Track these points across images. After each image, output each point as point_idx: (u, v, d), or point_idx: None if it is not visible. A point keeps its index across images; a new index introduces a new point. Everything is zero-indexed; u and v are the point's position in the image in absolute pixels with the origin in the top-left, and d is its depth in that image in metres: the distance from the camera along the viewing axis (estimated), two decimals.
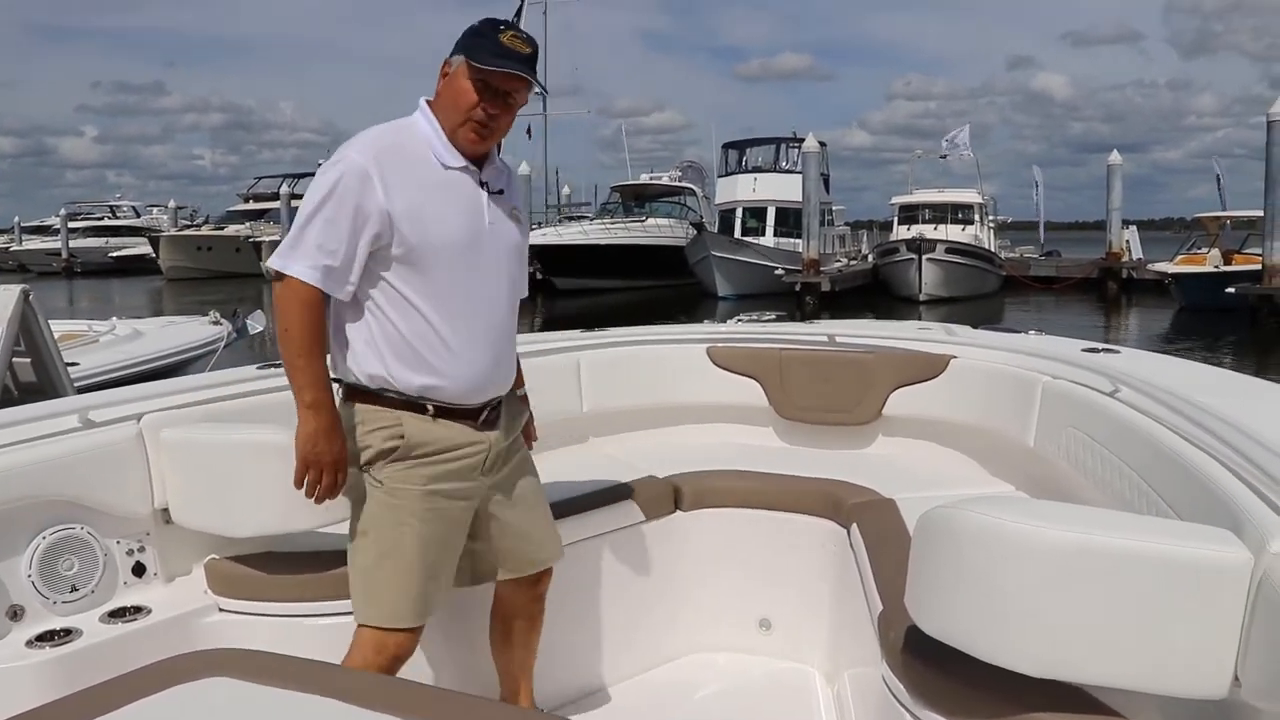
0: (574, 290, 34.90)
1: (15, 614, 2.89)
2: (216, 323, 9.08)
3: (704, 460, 4.15)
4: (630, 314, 28.93)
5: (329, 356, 2.68)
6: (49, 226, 69.68)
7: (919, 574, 2.15)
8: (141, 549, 3.21)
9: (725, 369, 4.61)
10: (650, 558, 3.83)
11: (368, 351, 2.63)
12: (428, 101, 2.70)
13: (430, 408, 2.65)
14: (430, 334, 2.61)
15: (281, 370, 3.77)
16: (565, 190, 62.34)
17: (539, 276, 36.73)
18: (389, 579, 2.63)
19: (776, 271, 31.70)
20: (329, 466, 2.60)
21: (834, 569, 3.64)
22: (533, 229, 40.22)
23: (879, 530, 3.28)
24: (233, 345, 9.17)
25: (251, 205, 59.81)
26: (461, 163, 2.66)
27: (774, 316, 5.43)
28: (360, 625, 2.64)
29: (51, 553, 2.98)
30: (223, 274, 50.70)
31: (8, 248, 70.37)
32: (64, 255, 62.09)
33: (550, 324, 30.25)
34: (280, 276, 2.54)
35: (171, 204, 65.40)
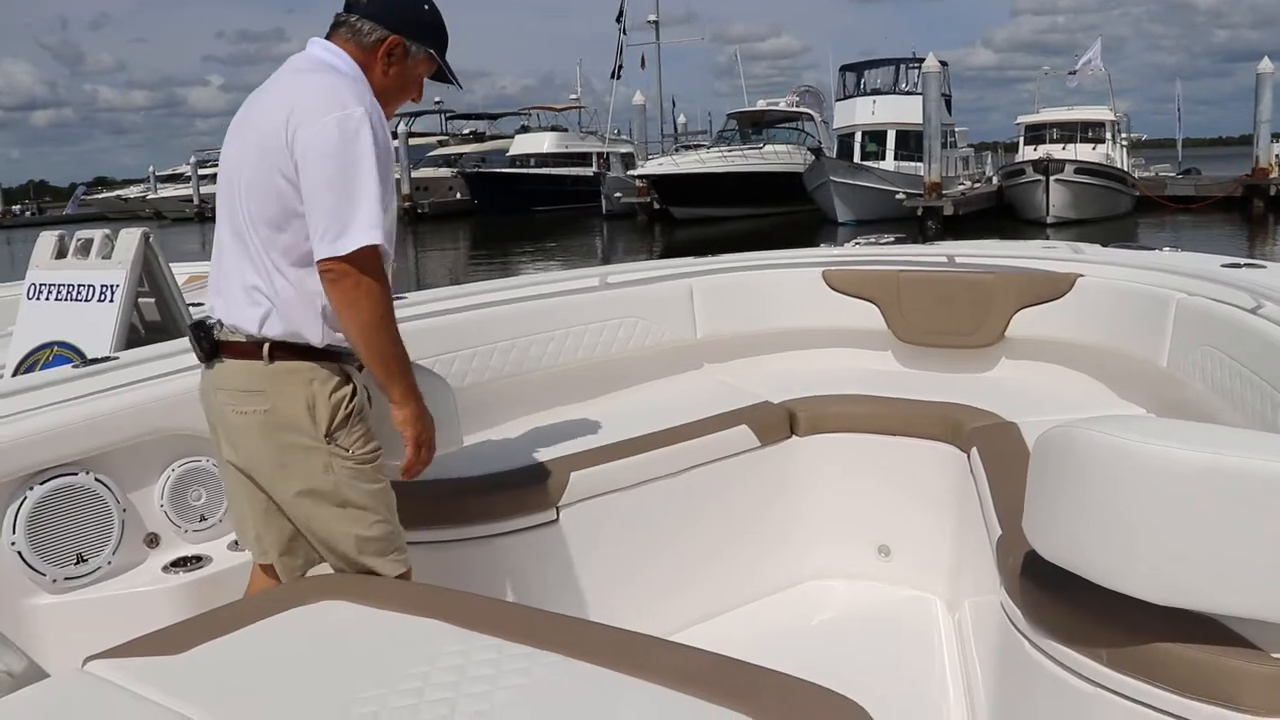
0: (691, 219, 34.79)
1: (152, 541, 3.02)
2: None
3: (820, 385, 4.08)
4: (748, 242, 28.54)
5: (260, 312, 2.39)
6: (181, 174, 72.10)
7: (1037, 496, 2.04)
8: None
9: (841, 292, 4.48)
10: (766, 483, 3.78)
11: (310, 304, 2.38)
12: (368, 75, 2.47)
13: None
14: None
15: (399, 300, 3.76)
16: (681, 119, 62.27)
17: (656, 206, 36.74)
18: (396, 527, 2.54)
19: (897, 196, 31.04)
20: (431, 442, 2.55)
21: (954, 494, 3.55)
22: (649, 159, 40.24)
23: (1000, 454, 3.17)
24: None
25: None
26: None
27: (892, 239, 5.29)
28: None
29: (181, 484, 3.06)
30: None
31: (144, 196, 73.06)
32: (195, 201, 64.13)
33: (668, 253, 30.04)
34: (352, 257, 2.27)
35: None
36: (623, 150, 47.52)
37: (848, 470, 3.84)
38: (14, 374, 5.16)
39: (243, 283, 2.39)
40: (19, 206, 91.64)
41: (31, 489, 2.75)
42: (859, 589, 3.86)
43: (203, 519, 3.10)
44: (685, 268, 4.68)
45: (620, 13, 50.71)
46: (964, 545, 3.45)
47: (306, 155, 2.27)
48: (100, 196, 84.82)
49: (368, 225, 2.26)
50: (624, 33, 50.52)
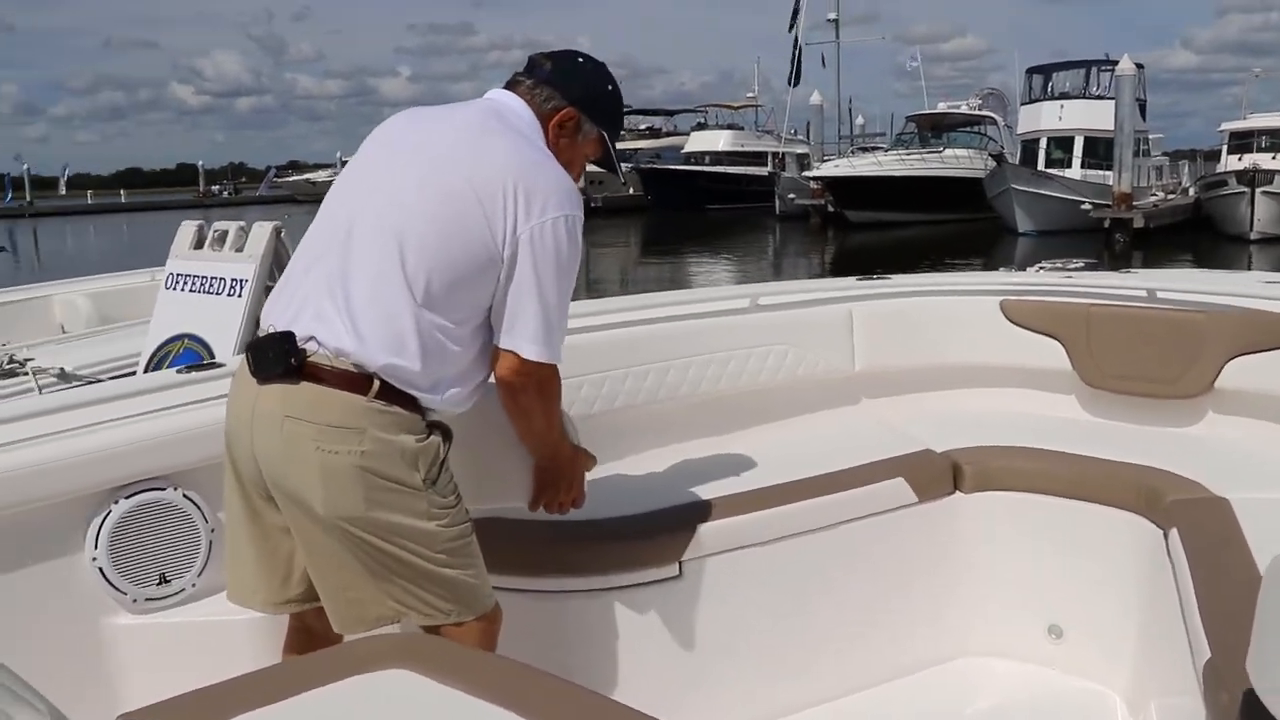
0: (866, 223, 34.20)
1: None
2: None
3: (992, 433, 3.65)
4: (923, 249, 28.18)
5: (398, 363, 2.24)
6: None
7: (1271, 635, 1.71)
8: None
9: (1021, 326, 3.98)
10: (921, 544, 3.39)
11: (445, 373, 2.29)
12: (547, 140, 2.39)
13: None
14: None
15: None
16: (859, 120, 61.35)
17: (830, 209, 36.26)
18: (480, 567, 2.40)
19: (1083, 206, 29.82)
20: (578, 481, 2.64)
21: (1145, 577, 3.10)
22: (824, 160, 39.75)
23: (1207, 539, 2.76)
24: None
25: None
26: None
27: (1081, 264, 4.74)
28: (464, 623, 2.35)
29: None
30: None
31: (330, 180, 75.35)
32: None
33: (840, 258, 29.79)
34: (541, 368, 2.31)
35: None
36: (798, 150, 47.03)
37: (1018, 535, 3.42)
38: (146, 365, 5.10)
39: (385, 313, 2.19)
40: (218, 186, 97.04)
41: (116, 503, 2.60)
42: (1024, 673, 3.43)
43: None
44: (845, 290, 4.26)
45: (794, 21, 50.27)
46: (1153, 638, 3.04)
47: (531, 247, 2.23)
48: (290, 179, 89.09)
49: (559, 342, 2.32)
50: (798, 43, 50.04)
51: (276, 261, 5.45)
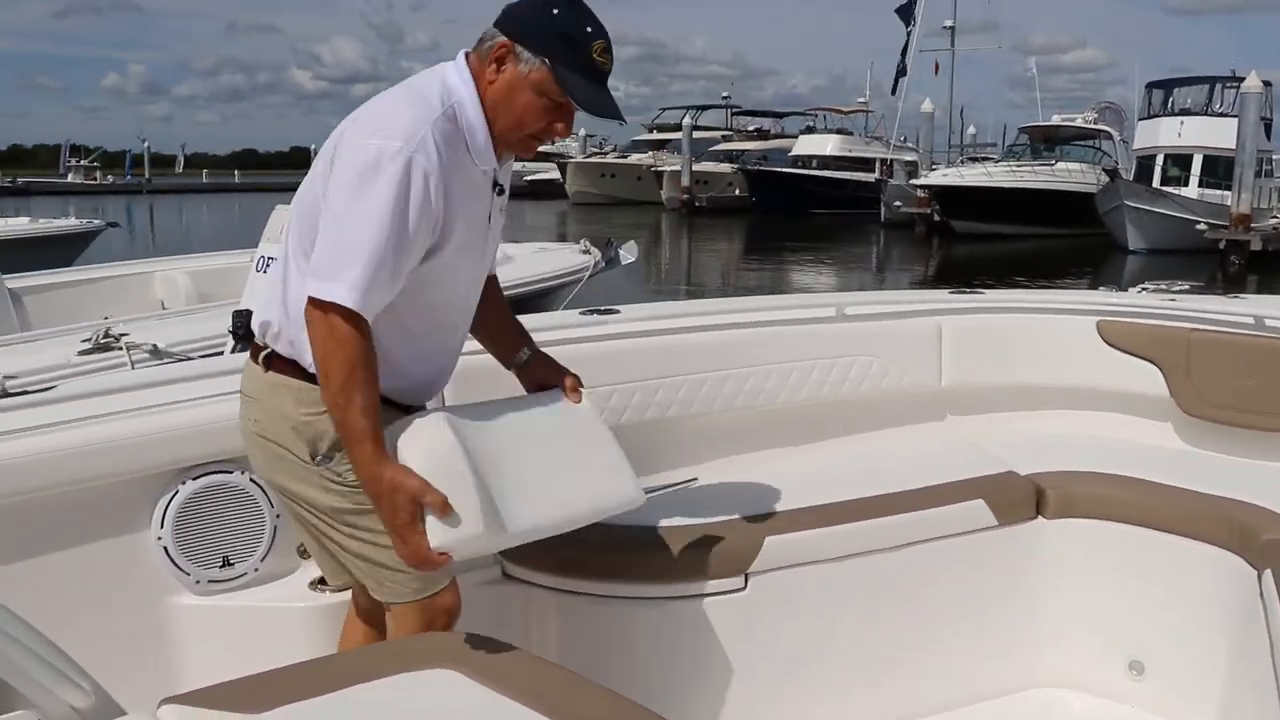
0: (972, 234, 33.72)
1: (305, 552, 2.75)
2: (586, 251, 9.01)
3: (1080, 457, 3.52)
4: (1029, 263, 27.67)
5: (271, 321, 2.26)
6: None
7: None
8: None
9: (1117, 348, 3.83)
10: (999, 569, 3.28)
11: None
12: (477, 84, 2.20)
13: None
14: (403, 336, 2.24)
15: (602, 319, 3.65)
16: (970, 130, 60.60)
17: (936, 218, 35.82)
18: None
19: (1198, 226, 29.01)
20: (408, 527, 2.09)
21: (1235, 618, 2.99)
22: (933, 168, 39.29)
23: None
24: (599, 275, 9.24)
25: (655, 135, 61.69)
26: (494, 165, 2.28)
27: (1186, 287, 4.57)
28: (405, 604, 2.29)
29: None
30: (624, 200, 52.63)
31: None
32: None
33: (944, 268, 29.39)
34: (327, 306, 2.07)
35: (582, 132, 68.71)
36: (907, 158, 46.43)
37: (1102, 565, 3.29)
38: (233, 349, 5.25)
39: (272, 275, 2.32)
40: None
41: (184, 483, 2.63)
42: (1101, 709, 3.29)
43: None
44: (935, 303, 4.13)
45: (906, 20, 49.70)
46: (1240, 681, 2.95)
47: (333, 175, 2.11)
48: None
49: (348, 285, 2.03)
50: (906, 52, 49.47)
51: None
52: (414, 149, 2.05)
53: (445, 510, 2.01)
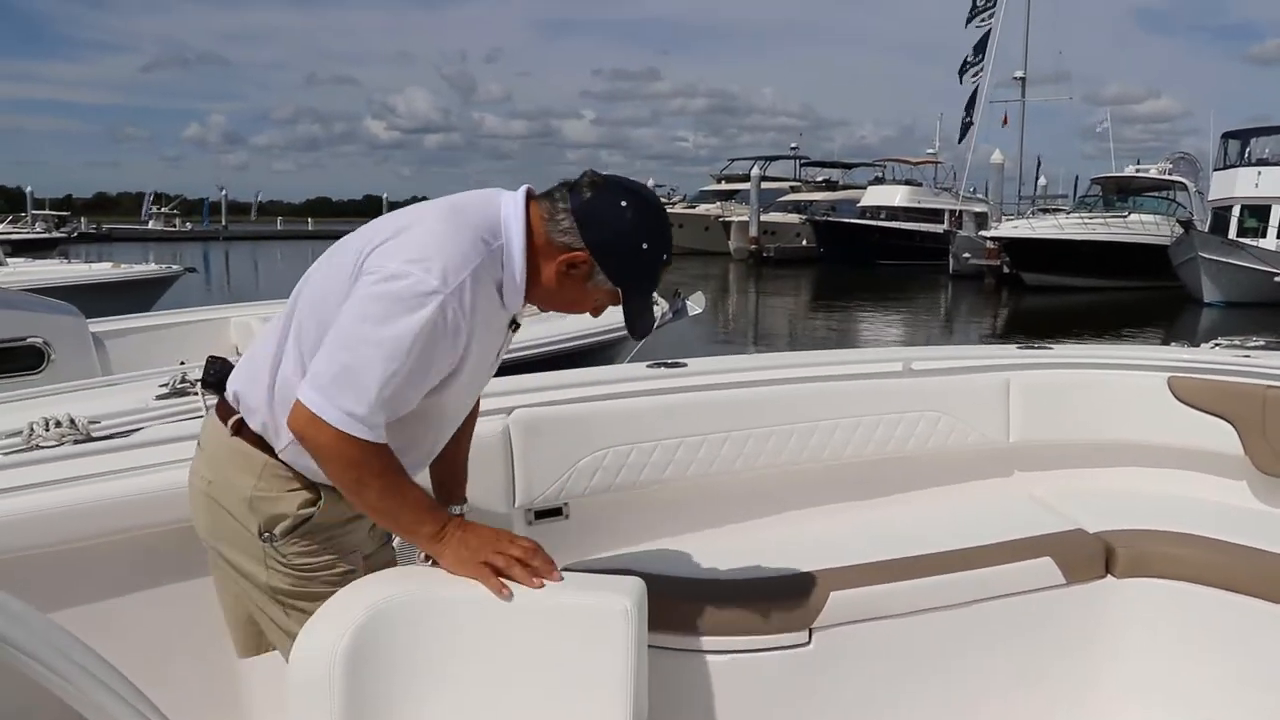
0: (1043, 286, 33.36)
1: None
2: (655, 302, 9.02)
3: (1150, 516, 3.46)
4: (1102, 316, 27.32)
5: (246, 396, 2.20)
6: None
7: None
8: None
9: (1190, 405, 3.78)
10: (1066, 629, 3.22)
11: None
12: (529, 238, 2.12)
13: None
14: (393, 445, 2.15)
15: (669, 371, 3.69)
16: (1041, 181, 59.87)
17: (1005, 270, 35.49)
18: None
19: (1276, 279, 28.51)
20: (515, 555, 2.12)
21: None
22: (1003, 219, 38.97)
23: None
24: (667, 326, 9.25)
25: (723, 185, 61.92)
26: (518, 309, 2.22)
27: (1262, 342, 4.48)
28: None
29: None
30: (691, 250, 52.52)
31: None
32: None
33: (1014, 320, 29.07)
34: (324, 426, 2.00)
35: (650, 182, 68.89)
36: (976, 209, 46.26)
37: (1173, 627, 3.21)
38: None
39: (259, 347, 2.23)
40: None
41: None
42: None
43: None
44: (1003, 359, 4.11)
45: (963, 73, 49.63)
46: None
47: (358, 289, 2.01)
48: None
49: (349, 413, 1.96)
50: (975, 100, 49.31)
51: None
52: (450, 292, 1.98)
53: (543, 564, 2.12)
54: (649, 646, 2.53)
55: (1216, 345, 4.44)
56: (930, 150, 61.36)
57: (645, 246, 2.13)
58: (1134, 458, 3.93)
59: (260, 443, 2.17)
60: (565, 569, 2.66)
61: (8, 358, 6.23)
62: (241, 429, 2.19)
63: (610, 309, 2.25)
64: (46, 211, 65.52)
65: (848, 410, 3.61)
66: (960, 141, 51.13)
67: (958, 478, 3.84)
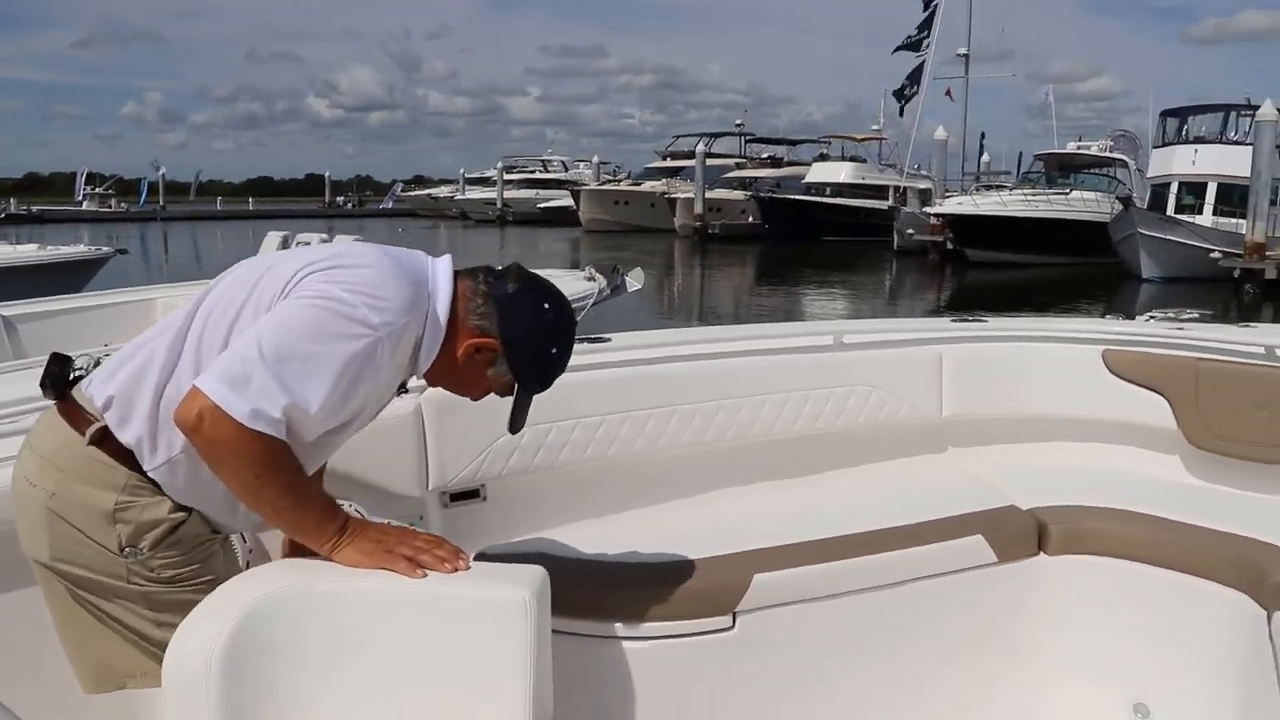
0: (986, 263, 33.62)
1: None
2: (590, 279, 8.95)
3: (1084, 491, 3.41)
4: (1043, 292, 27.62)
5: (120, 402, 2.04)
6: (489, 178, 76.02)
7: None
8: None
9: (1124, 378, 3.71)
10: (998, 608, 3.17)
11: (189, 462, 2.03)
12: (451, 306, 2.13)
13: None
14: None
15: (592, 346, 3.55)
16: (985, 158, 60.49)
17: (949, 246, 35.73)
18: None
19: (1212, 254, 28.82)
20: (419, 541, 2.11)
21: (1244, 660, 2.88)
22: (947, 196, 39.19)
23: None
24: (607, 302, 9.15)
25: (668, 163, 61.92)
26: (418, 375, 2.22)
27: (1195, 315, 4.39)
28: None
29: None
30: (637, 228, 52.77)
31: (452, 196, 77.68)
32: (499, 205, 67.59)
33: (957, 296, 29.33)
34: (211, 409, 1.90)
35: (595, 160, 69.49)
36: (920, 185, 46.40)
37: (1105, 604, 3.18)
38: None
39: (127, 360, 2.06)
40: (343, 198, 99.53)
41: None
42: None
43: None
44: (936, 331, 4.05)
45: (909, 46, 49.79)
46: None
47: (289, 302, 1.98)
48: (413, 194, 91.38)
49: (258, 416, 1.87)
50: (920, 75, 49.48)
51: None
52: (386, 335, 1.98)
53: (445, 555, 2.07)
54: (568, 634, 2.51)
55: (1151, 318, 4.40)
56: (875, 127, 61.64)
57: (554, 351, 2.20)
58: (1068, 432, 3.87)
59: (126, 457, 2.02)
60: (480, 554, 2.70)
61: None
62: (104, 439, 2.02)
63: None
64: None
65: (776, 385, 3.52)
66: (902, 114, 51.32)
67: (889, 454, 3.77)
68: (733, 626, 2.81)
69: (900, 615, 3.03)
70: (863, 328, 4.11)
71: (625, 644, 2.73)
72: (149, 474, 2.03)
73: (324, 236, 5.61)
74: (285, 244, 5.81)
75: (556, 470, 3.25)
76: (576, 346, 3.49)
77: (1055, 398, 3.85)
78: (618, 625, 2.73)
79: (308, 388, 1.91)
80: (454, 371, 2.16)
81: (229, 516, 2.14)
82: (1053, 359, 3.90)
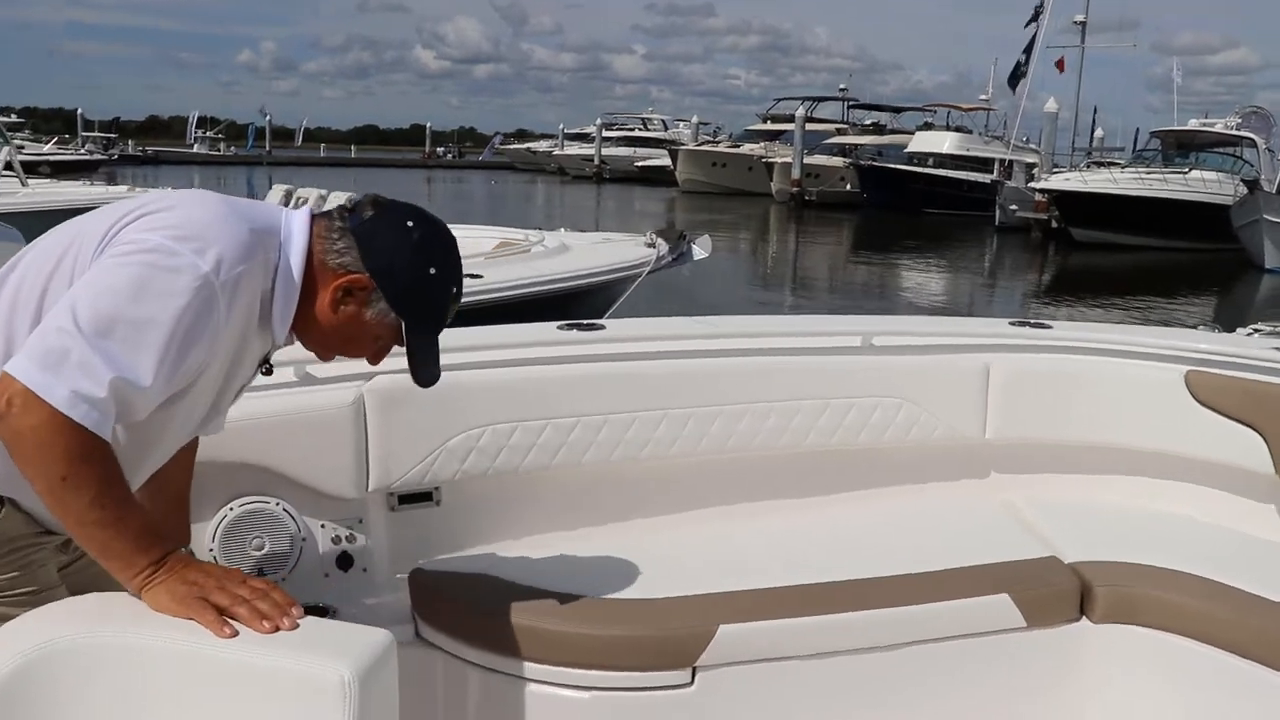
0: (1093, 244, 32.09)
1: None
2: (650, 244, 8.34)
3: (1146, 544, 2.84)
4: (1153, 277, 26.36)
5: None
6: (588, 134, 77.01)
7: None
8: (350, 538, 2.72)
9: (1210, 407, 3.13)
10: (1021, 685, 2.64)
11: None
12: (308, 259, 1.90)
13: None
14: None
15: (589, 335, 3.14)
16: (1098, 132, 58.41)
17: (1054, 224, 34.32)
18: None
19: None
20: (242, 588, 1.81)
21: None
22: (1054, 171, 37.62)
23: None
24: (674, 269, 8.50)
25: (769, 126, 61.98)
26: (281, 339, 1.98)
27: None
28: None
29: (238, 527, 2.60)
30: (733, 190, 53.05)
31: (550, 151, 79.34)
32: (596, 162, 68.43)
33: (1060, 277, 28.23)
34: (37, 402, 1.67)
35: (694, 119, 70.11)
36: (1027, 160, 44.75)
37: (1159, 693, 2.60)
38: None
39: None
40: (443, 149, 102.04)
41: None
42: None
43: (260, 573, 2.55)
44: (985, 337, 3.44)
45: (1034, 19, 47.78)
46: None
47: (103, 259, 1.74)
48: (511, 147, 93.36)
49: (78, 399, 1.64)
50: (1032, 44, 47.56)
51: None
52: (222, 283, 1.76)
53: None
54: (499, 673, 2.30)
55: (1255, 331, 3.67)
56: (983, 97, 59.90)
57: (433, 271, 1.95)
58: (1135, 467, 3.30)
59: None
60: (417, 569, 2.62)
61: None
62: None
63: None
64: (95, 134, 68.66)
65: (787, 392, 3.06)
66: (1013, 88, 49.30)
67: (914, 479, 3.27)
68: (691, 683, 2.41)
69: (896, 688, 2.55)
70: (897, 327, 3.52)
71: (564, 691, 2.37)
72: None
73: (322, 193, 5.10)
74: (288, 200, 5.32)
75: (520, 476, 2.88)
76: (559, 334, 3.12)
77: (1123, 425, 3.26)
78: (557, 669, 2.37)
79: (137, 358, 1.69)
80: (331, 327, 1.93)
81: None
82: (1125, 378, 3.29)
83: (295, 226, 1.91)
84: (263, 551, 2.61)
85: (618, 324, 3.35)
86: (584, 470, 2.93)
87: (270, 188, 5.66)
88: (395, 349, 2.01)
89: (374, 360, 2.05)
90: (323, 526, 2.68)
